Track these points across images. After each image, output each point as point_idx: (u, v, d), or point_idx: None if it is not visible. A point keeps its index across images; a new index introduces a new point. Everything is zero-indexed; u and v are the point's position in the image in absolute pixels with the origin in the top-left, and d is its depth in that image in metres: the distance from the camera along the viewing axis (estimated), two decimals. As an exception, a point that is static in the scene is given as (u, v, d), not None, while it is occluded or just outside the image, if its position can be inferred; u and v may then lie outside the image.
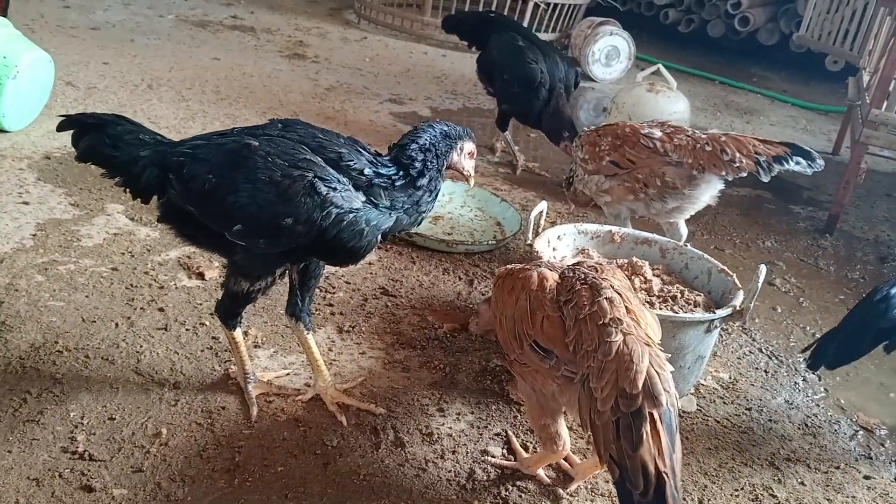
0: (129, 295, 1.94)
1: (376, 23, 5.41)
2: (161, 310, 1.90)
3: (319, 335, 1.91)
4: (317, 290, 2.09)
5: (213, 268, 2.10)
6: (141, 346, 1.76)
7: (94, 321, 1.81)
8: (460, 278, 2.32)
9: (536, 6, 5.21)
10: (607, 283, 1.40)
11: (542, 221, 2.06)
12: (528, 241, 1.95)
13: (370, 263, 2.29)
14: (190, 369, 1.71)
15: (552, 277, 1.46)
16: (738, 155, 2.15)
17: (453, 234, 2.56)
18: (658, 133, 2.26)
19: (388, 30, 5.35)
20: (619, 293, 1.38)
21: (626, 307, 1.36)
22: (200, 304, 1.95)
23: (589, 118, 4.26)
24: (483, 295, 2.24)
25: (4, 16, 2.92)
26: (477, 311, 1.84)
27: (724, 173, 2.18)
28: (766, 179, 2.16)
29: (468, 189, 2.82)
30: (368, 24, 5.43)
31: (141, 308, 1.89)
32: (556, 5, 5.30)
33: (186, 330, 1.85)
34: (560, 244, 2.07)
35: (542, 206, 2.04)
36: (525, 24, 4.94)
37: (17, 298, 1.84)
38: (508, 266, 1.59)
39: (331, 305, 2.05)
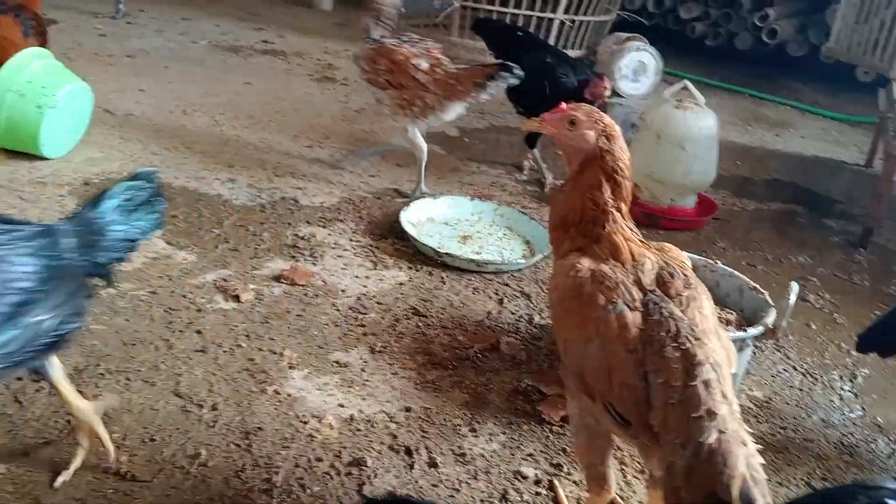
0: (167, 318, 1.99)
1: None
2: (199, 332, 1.95)
3: (352, 356, 1.94)
4: (348, 311, 2.13)
5: (248, 290, 2.15)
6: (180, 369, 1.80)
7: (135, 344, 1.87)
8: (490, 297, 2.34)
9: (562, 23, 5.24)
10: (703, 353, 1.18)
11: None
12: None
13: (401, 284, 2.32)
14: (227, 391, 1.75)
15: (634, 323, 1.23)
16: (466, 85, 2.75)
17: (482, 254, 2.58)
18: (425, 65, 2.76)
19: (416, 50, 5.42)
20: (714, 369, 1.17)
21: (723, 392, 1.15)
22: (236, 326, 1.99)
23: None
24: (513, 313, 2.26)
25: (44, 46, 3.02)
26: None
27: (463, 99, 2.79)
28: (485, 97, 2.80)
29: (497, 208, 2.86)
30: (396, 45, 5.50)
31: (179, 331, 1.94)
32: (581, 22, 5.33)
33: (223, 352, 1.89)
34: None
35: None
36: (551, 41, 4.97)
37: (60, 322, 1.90)
38: (563, 264, 1.38)
39: (363, 326, 2.08)
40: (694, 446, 1.09)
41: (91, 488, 1.44)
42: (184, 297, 2.10)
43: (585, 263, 1.34)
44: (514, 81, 2.76)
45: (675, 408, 1.13)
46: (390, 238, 2.61)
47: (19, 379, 1.68)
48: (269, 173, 3.02)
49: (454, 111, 2.86)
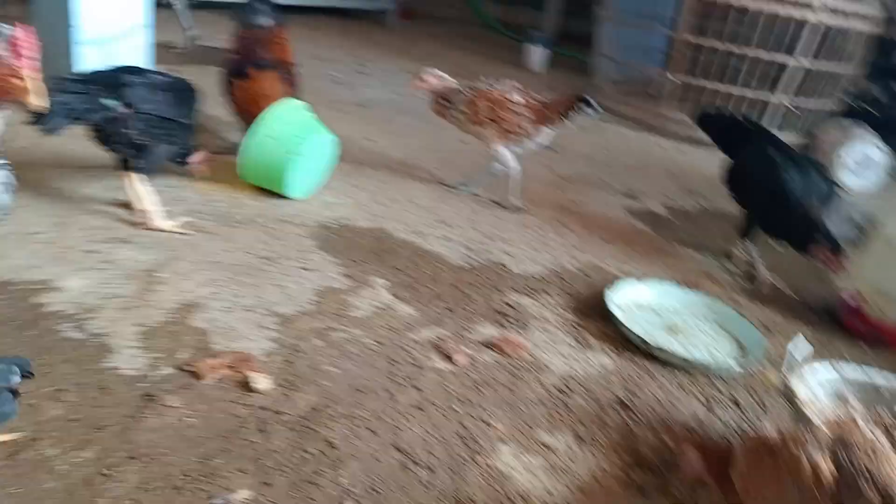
0: (390, 369, 2.13)
1: (613, 112, 5.53)
2: (417, 388, 2.07)
3: (559, 439, 1.97)
4: (553, 390, 2.17)
5: (462, 353, 2.25)
6: (400, 422, 1.92)
7: (362, 391, 2.01)
8: (697, 398, 2.28)
9: (784, 108, 5.05)
10: None
11: (801, 360, 1.98)
12: (786, 383, 1.90)
13: (607, 370, 2.33)
14: (442, 454, 1.84)
15: (827, 470, 1.28)
16: (553, 114, 3.29)
17: (691, 349, 2.52)
18: (522, 100, 3.31)
19: (625, 119, 5.44)
20: None
21: None
22: (451, 389, 2.09)
23: (838, 230, 4.01)
24: (722, 421, 2.19)
25: (296, 95, 3.36)
26: (684, 454, 1.79)
27: (551, 126, 3.33)
28: (571, 125, 3.31)
29: (707, 301, 2.79)
30: (605, 113, 5.54)
31: (400, 384, 2.07)
32: (803, 108, 5.11)
33: (439, 413, 1.99)
34: (819, 388, 1.98)
35: (803, 344, 1.97)
36: (771, 125, 4.80)
37: (300, 359, 2.10)
38: (761, 436, 1.48)
39: (568, 410, 2.11)
40: None
41: (321, 528, 1.57)
42: (405, 350, 2.23)
43: None
44: (592, 114, 3.27)
45: None
46: (596, 318, 2.62)
47: (278, 413, 1.87)
48: (481, 235, 3.15)
49: (545, 136, 3.39)
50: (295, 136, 3.05)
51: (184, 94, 2.76)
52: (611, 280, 2.93)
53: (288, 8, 7.01)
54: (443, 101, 3.45)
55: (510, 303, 2.62)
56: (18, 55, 1.22)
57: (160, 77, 2.69)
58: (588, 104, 3.25)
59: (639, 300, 2.78)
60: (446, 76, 3.46)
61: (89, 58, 3.41)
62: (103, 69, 2.59)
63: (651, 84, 5.58)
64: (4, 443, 1.56)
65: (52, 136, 2.31)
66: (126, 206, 2.77)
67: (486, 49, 7.32)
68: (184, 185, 3.06)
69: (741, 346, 2.61)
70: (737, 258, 3.31)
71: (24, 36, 1.23)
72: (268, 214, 2.98)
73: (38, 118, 2.26)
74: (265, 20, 3.53)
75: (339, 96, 4.83)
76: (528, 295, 2.71)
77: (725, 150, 3.29)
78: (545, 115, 3.30)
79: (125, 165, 2.66)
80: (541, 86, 6.16)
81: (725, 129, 3.34)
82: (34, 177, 2.89)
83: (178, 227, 2.69)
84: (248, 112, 3.27)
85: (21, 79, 1.22)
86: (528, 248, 3.12)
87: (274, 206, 3.06)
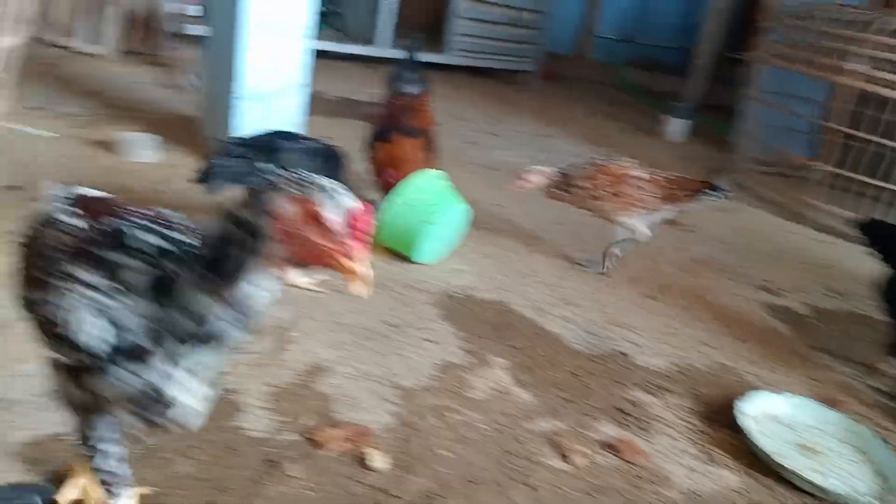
0: (504, 462, 2.10)
1: (752, 192, 5.31)
2: (530, 486, 2.02)
3: (676, 563, 1.86)
4: (673, 504, 2.06)
5: (578, 453, 2.19)
6: (510, 522, 1.89)
7: (475, 482, 1.99)
8: (832, 535, 2.10)
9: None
10: None
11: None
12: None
13: (733, 491, 2.19)
14: (551, 564, 1.79)
15: None
16: (678, 191, 3.28)
17: (826, 477, 2.34)
18: (645, 175, 3.30)
19: (764, 202, 5.21)
20: None
21: None
22: (565, 492, 2.03)
23: None
24: (859, 566, 2.00)
25: (434, 162, 3.45)
26: None
27: (676, 204, 3.32)
28: (696, 203, 3.30)
29: (849, 424, 2.58)
30: (744, 194, 5.34)
31: (514, 479, 2.04)
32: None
33: (550, 516, 1.93)
34: None
35: None
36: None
37: (416, 439, 2.11)
38: None
39: (689, 529, 2.00)
40: None
41: None
42: (519, 442, 2.20)
43: None
44: (719, 198, 3.27)
45: None
46: (723, 427, 2.49)
47: (392, 495, 1.88)
48: (605, 319, 3.08)
49: (666, 213, 3.40)
50: (430, 204, 3.12)
51: (332, 159, 2.90)
52: (741, 383, 2.78)
53: (431, 65, 7.30)
54: (556, 187, 3.37)
55: (632, 399, 2.54)
56: (355, 234, 1.18)
57: (311, 143, 2.84)
58: (716, 189, 3.26)
59: (772, 412, 2.61)
60: (548, 169, 3.41)
61: (248, 112, 3.65)
62: (259, 133, 2.76)
63: (796, 169, 5.32)
64: (137, 496, 1.64)
65: (213, 195, 2.48)
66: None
67: (625, 116, 7.26)
68: (320, 242, 3.19)
69: (883, 478, 2.39)
70: (883, 375, 3.06)
71: (364, 214, 1.19)
72: (397, 278, 3.04)
73: (202, 177, 2.43)
74: (412, 88, 3.66)
75: (471, 157, 4.91)
76: (651, 392, 2.61)
77: (886, 259, 3.05)
78: (669, 192, 3.29)
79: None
80: (678, 157, 6.03)
81: (889, 239, 3.09)
82: (188, 222, 3.10)
83: (313, 285, 2.80)
84: (387, 174, 3.39)
85: (350, 259, 1.19)
86: (654, 338, 3.01)
87: (403, 270, 3.13)
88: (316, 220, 1.18)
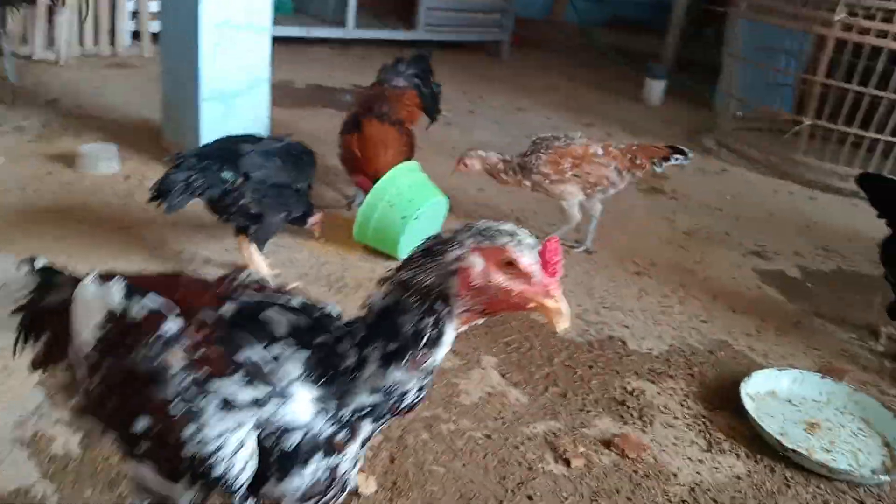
0: (500, 472, 2.01)
1: (736, 153, 5.20)
2: (529, 498, 1.93)
3: (686, 568, 1.79)
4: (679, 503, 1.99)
5: (578, 454, 2.10)
6: (511, 540, 1.80)
7: (470, 498, 1.90)
8: (843, 517, 2.03)
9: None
10: None
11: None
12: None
13: (738, 478, 2.12)
14: (556, 582, 1.70)
15: None
16: (643, 160, 3.26)
17: (833, 452, 2.27)
18: (601, 151, 3.24)
19: (749, 162, 5.10)
20: None
21: None
22: (565, 498, 1.95)
23: None
24: (875, 551, 1.94)
25: (411, 157, 3.32)
26: None
27: (638, 173, 3.30)
28: (659, 170, 3.32)
29: (851, 393, 2.51)
30: (729, 154, 5.23)
31: (511, 490, 1.95)
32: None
33: (553, 528, 1.85)
34: None
35: None
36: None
37: (406, 457, 2.01)
38: None
39: (697, 528, 1.92)
40: None
41: None
42: (516, 448, 2.11)
43: None
44: (685, 162, 3.32)
45: None
46: (725, 410, 2.40)
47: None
48: (597, 304, 2.98)
49: (627, 182, 3.35)
50: (410, 201, 3.00)
51: (299, 158, 2.76)
52: (739, 359, 2.70)
53: (399, 42, 7.10)
54: (506, 173, 3.28)
55: (631, 390, 2.45)
56: (550, 271, 1.11)
57: (276, 143, 2.70)
58: (681, 153, 3.30)
59: (773, 389, 2.53)
60: (487, 153, 3.30)
61: (210, 113, 3.49)
62: (220, 139, 2.62)
63: (779, 124, 5.21)
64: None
65: (172, 212, 2.35)
66: (242, 268, 2.79)
67: (601, 80, 7.10)
68: (297, 246, 3.07)
69: (890, 448, 2.32)
70: (884, 337, 2.98)
71: (552, 248, 1.11)
72: (377, 276, 2.92)
73: (158, 196, 2.30)
74: (400, 81, 3.54)
75: (450, 139, 4.77)
76: (650, 380, 2.52)
77: (888, 218, 2.92)
78: (633, 162, 3.27)
79: (240, 230, 2.69)
80: (658, 121, 5.91)
81: (890, 196, 2.95)
82: (154, 237, 2.97)
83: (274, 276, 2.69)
84: (356, 160, 3.25)
85: (553, 298, 1.12)
86: (649, 319, 2.92)
87: (384, 268, 3.00)
88: (511, 267, 1.10)
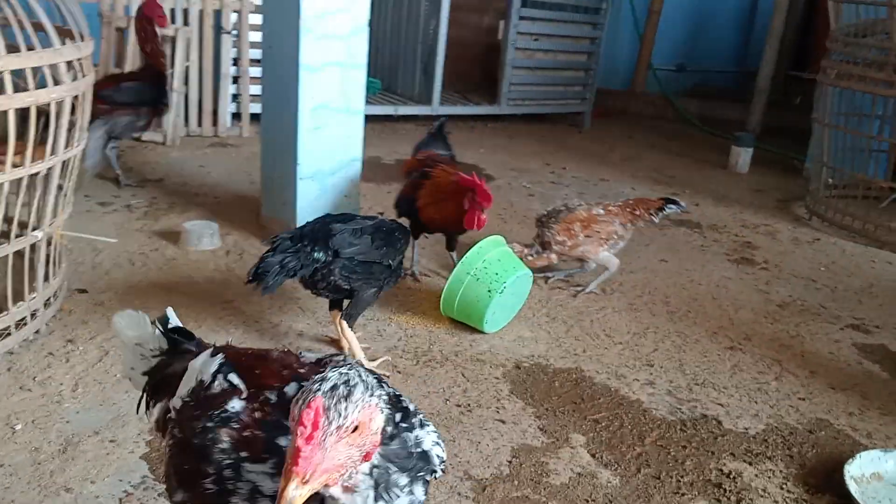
0: (592, 557, 1.96)
1: (830, 221, 5.04)
2: (623, 585, 1.88)
3: None
4: None
5: (673, 540, 2.03)
6: None
7: (562, 584, 1.86)
8: None
9: None
10: None
11: None
12: None
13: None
14: None
15: None
16: (641, 211, 3.58)
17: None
18: (602, 211, 3.57)
19: (844, 231, 4.93)
20: None
21: None
22: (661, 587, 1.88)
23: None
24: None
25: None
26: None
27: (640, 223, 3.60)
28: (657, 220, 3.62)
29: None
30: (821, 223, 5.08)
31: (604, 577, 1.90)
32: None
33: None
34: None
35: None
36: None
37: (496, 537, 2.00)
38: None
39: None
40: None
41: None
42: (608, 532, 2.06)
43: None
44: (678, 210, 3.62)
45: None
46: (827, 493, 2.28)
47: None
48: (689, 380, 2.91)
49: (631, 232, 3.66)
50: (496, 274, 3.05)
51: (391, 234, 2.85)
52: (842, 440, 2.57)
53: (485, 117, 7.29)
54: (532, 256, 3.56)
55: (728, 472, 2.36)
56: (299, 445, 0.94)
57: (367, 221, 2.80)
58: (674, 203, 3.61)
59: (879, 471, 2.39)
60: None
61: (308, 190, 3.67)
62: (316, 219, 2.75)
63: (874, 191, 5.03)
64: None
65: (267, 294, 2.47)
66: (335, 341, 2.89)
67: (686, 149, 7.06)
68: (386, 319, 3.15)
69: None
70: None
71: (308, 416, 0.94)
72: (464, 352, 2.96)
73: (255, 278, 2.42)
74: (441, 150, 3.91)
75: (533, 209, 4.82)
76: (746, 461, 2.43)
77: None
78: (633, 215, 3.60)
79: (333, 305, 2.79)
80: (746, 188, 5.80)
81: None
82: (252, 310, 3.11)
83: (377, 368, 2.74)
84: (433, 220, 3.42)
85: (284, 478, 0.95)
86: (744, 396, 2.83)
87: (470, 342, 3.04)
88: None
